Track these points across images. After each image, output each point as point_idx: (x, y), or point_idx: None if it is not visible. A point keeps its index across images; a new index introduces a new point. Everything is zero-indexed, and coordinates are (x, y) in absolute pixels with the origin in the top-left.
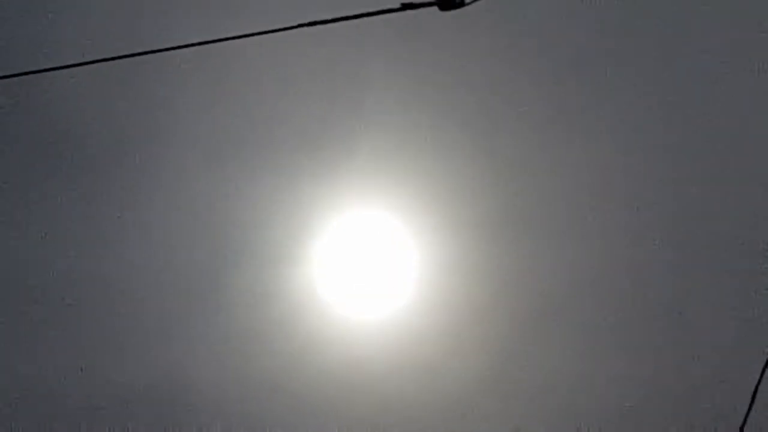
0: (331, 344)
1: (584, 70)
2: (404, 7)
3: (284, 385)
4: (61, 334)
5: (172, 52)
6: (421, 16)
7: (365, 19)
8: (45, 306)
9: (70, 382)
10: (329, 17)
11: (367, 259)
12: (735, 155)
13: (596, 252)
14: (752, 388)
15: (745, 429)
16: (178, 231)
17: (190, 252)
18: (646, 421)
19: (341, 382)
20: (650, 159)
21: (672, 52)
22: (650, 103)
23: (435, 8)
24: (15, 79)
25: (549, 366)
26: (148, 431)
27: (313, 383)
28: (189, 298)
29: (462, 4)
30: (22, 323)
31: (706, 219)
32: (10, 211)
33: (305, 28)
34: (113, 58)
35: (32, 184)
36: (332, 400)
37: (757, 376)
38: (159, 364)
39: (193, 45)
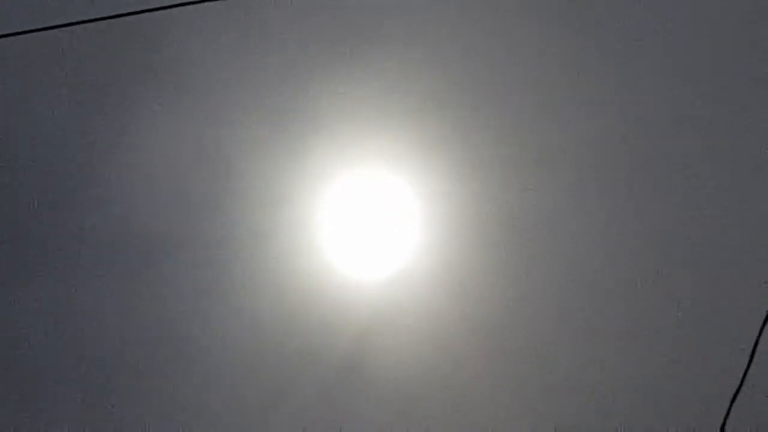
0: (332, 304)
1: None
2: None
3: (284, 343)
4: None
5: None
6: None
7: None
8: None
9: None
10: None
11: (370, 217)
12: None
13: (618, 196)
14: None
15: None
16: (182, 182)
17: (190, 201)
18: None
19: (342, 343)
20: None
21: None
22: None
23: None
24: None
25: (554, 328)
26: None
27: (314, 342)
28: (189, 246)
29: None
30: None
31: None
32: None
33: None
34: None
35: None
36: (331, 361)
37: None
38: (152, 315)
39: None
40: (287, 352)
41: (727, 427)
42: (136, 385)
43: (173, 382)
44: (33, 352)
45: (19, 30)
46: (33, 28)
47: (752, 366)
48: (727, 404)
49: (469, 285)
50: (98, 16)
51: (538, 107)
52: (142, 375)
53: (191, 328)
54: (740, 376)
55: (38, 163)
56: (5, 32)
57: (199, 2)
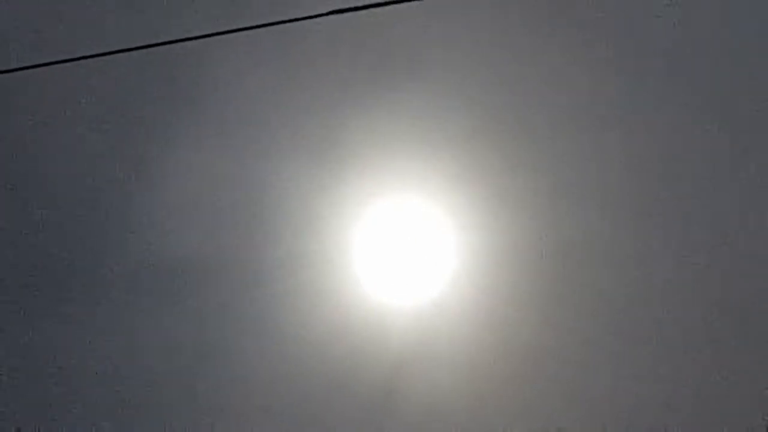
0: (366, 331)
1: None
2: None
3: (317, 369)
4: None
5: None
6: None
7: (393, 6)
8: None
9: None
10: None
11: (405, 245)
12: None
13: (646, 228)
14: None
15: None
16: (222, 210)
17: (225, 228)
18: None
19: (376, 369)
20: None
21: None
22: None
23: None
24: None
25: (585, 355)
26: None
27: (347, 367)
28: (222, 273)
29: None
30: None
31: None
32: None
33: (334, 15)
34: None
35: None
36: (365, 387)
37: None
38: (188, 340)
39: (223, 33)
40: (321, 377)
41: None
42: (169, 406)
43: (207, 404)
44: (67, 372)
45: (53, 60)
46: (67, 58)
47: None
48: None
49: (502, 313)
50: (133, 46)
51: (574, 138)
52: (176, 397)
53: (225, 355)
54: None
55: (75, 189)
56: (40, 62)
57: (238, 31)
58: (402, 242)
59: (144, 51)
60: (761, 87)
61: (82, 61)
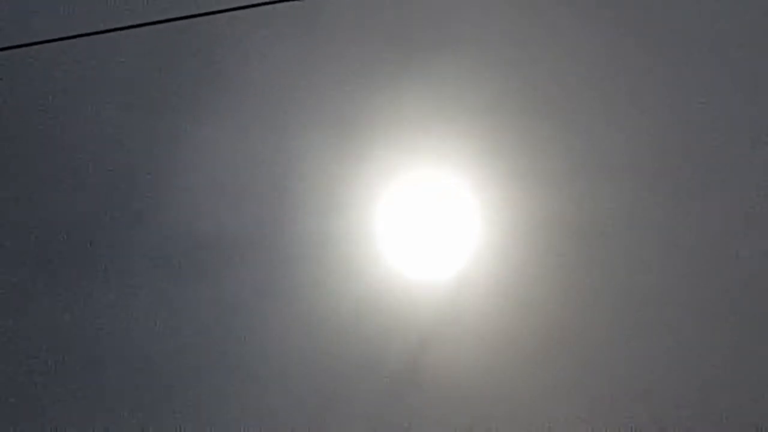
0: (391, 305)
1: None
2: None
3: (342, 344)
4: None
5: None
6: None
7: None
8: None
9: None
10: None
11: (430, 219)
12: None
13: (670, 205)
14: None
15: None
16: (242, 186)
17: (251, 205)
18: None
19: (398, 343)
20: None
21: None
22: None
23: None
24: None
25: (610, 333)
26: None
27: (371, 342)
28: (249, 250)
29: None
30: None
31: None
32: None
33: None
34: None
35: None
36: (387, 360)
37: None
38: (211, 319)
39: (250, 7)
40: (347, 356)
41: None
42: (195, 389)
43: (232, 384)
44: (89, 353)
45: (75, 33)
46: (89, 31)
47: None
48: None
49: (528, 290)
50: (155, 20)
51: (597, 114)
52: (202, 379)
53: (250, 333)
54: None
55: (97, 165)
56: (61, 35)
57: (260, 5)
58: (426, 218)
59: (164, 25)
60: None
61: (108, 34)
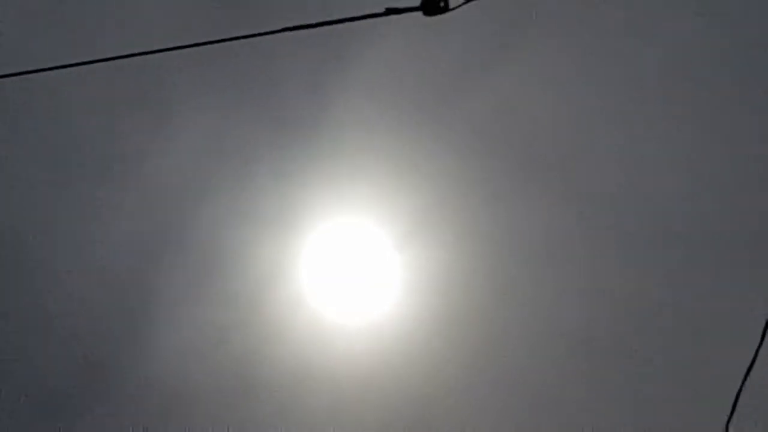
0: (315, 345)
1: (574, 70)
2: (388, 11)
3: (260, 382)
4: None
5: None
6: (404, 20)
7: (349, 23)
8: None
9: None
10: (314, 21)
11: (352, 264)
12: None
13: (582, 260)
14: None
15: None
16: (162, 233)
17: (177, 254)
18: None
19: (325, 382)
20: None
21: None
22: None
23: (419, 13)
24: None
25: (527, 372)
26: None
27: (296, 382)
28: (180, 295)
29: (446, 9)
30: None
31: None
32: None
33: (290, 32)
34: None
35: None
36: (314, 399)
37: None
38: (159, 356)
39: (181, 47)
40: (275, 393)
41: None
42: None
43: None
44: None
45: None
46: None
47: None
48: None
49: (445, 332)
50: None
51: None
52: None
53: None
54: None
55: None
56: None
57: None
58: (349, 260)
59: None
60: None
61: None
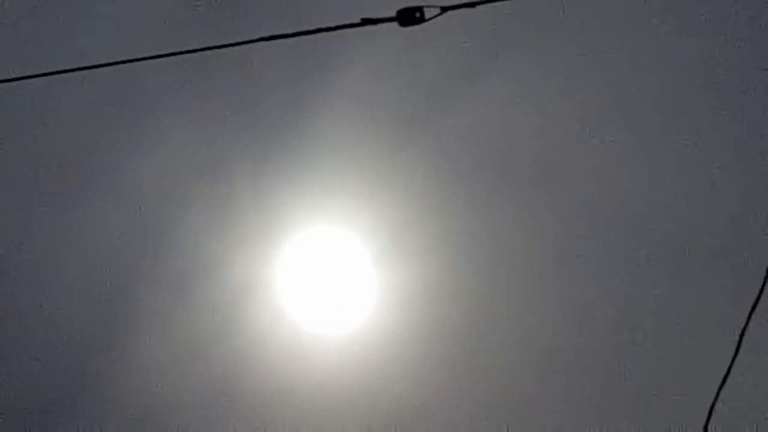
0: (294, 357)
1: (553, 82)
2: (364, 22)
3: (238, 395)
4: None
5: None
6: (380, 31)
7: (324, 34)
8: None
9: None
10: (290, 31)
11: (332, 276)
12: None
13: (561, 274)
14: None
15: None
16: (138, 243)
17: (154, 266)
18: None
19: (300, 394)
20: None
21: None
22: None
23: (395, 24)
24: None
25: (501, 387)
26: None
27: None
28: (155, 310)
29: (422, 20)
30: None
31: None
32: None
33: (271, 42)
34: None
35: None
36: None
37: None
38: (136, 368)
39: (160, 56)
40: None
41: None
42: None
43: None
44: None
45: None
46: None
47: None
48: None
49: (426, 344)
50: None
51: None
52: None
53: (171, 391)
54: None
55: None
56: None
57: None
58: (321, 273)
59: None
60: None
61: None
